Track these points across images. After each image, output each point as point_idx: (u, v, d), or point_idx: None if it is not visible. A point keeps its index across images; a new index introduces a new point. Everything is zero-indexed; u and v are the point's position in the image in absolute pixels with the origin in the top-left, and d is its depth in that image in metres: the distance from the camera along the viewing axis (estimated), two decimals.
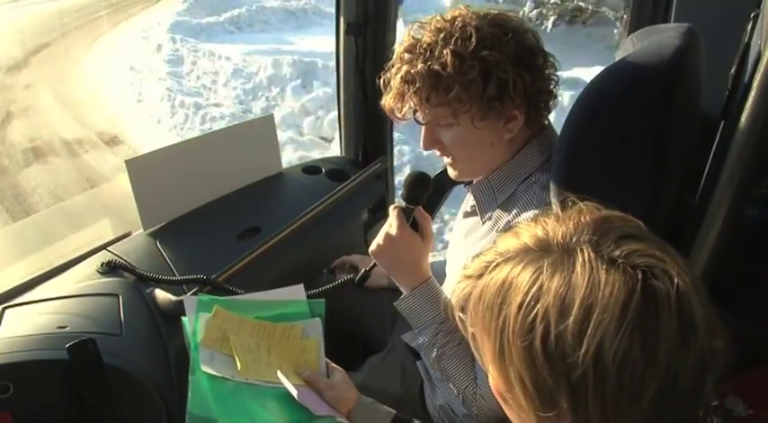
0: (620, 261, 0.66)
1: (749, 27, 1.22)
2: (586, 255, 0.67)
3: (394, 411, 1.24)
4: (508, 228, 1.21)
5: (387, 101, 1.29)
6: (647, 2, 1.72)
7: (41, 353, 1.21)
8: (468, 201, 1.40)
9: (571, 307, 0.65)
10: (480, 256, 0.76)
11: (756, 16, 1.20)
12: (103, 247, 1.64)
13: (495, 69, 1.17)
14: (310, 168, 2.05)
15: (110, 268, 1.54)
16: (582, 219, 0.72)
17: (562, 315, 0.65)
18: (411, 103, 1.25)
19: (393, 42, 2.01)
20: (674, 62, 1.01)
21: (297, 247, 1.76)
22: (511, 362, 0.69)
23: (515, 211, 1.25)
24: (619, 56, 1.28)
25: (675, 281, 0.65)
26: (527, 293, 0.67)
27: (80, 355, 1.18)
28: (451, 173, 1.35)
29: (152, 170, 1.67)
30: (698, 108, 1.23)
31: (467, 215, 1.43)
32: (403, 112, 1.28)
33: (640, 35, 1.29)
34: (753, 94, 0.85)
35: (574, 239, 0.69)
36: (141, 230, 1.70)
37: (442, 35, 1.20)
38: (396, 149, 4.06)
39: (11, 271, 1.71)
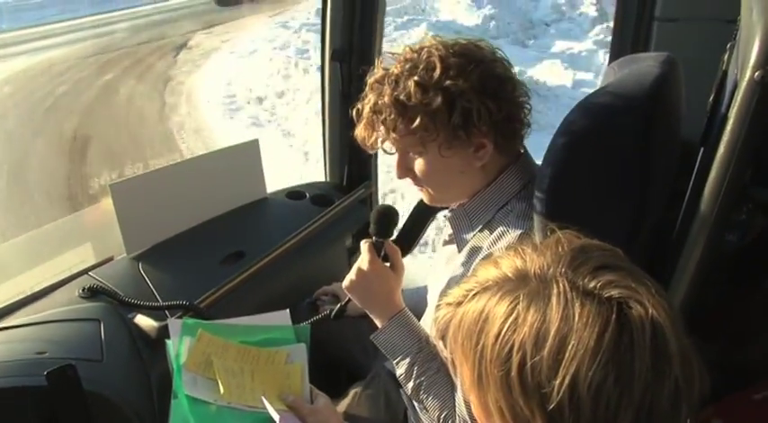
0: (595, 292, 0.67)
1: (726, 57, 1.25)
2: (561, 286, 0.68)
3: None
4: (486, 255, 1.23)
5: (358, 130, 1.31)
6: (628, 31, 1.75)
7: (19, 379, 1.19)
8: (447, 228, 1.41)
9: (546, 338, 0.66)
10: (461, 284, 0.77)
11: (732, 46, 1.22)
12: (85, 271, 1.63)
13: (460, 99, 1.19)
14: (294, 193, 2.05)
15: (91, 293, 1.52)
16: (559, 249, 0.73)
17: (537, 346, 0.66)
18: (380, 132, 1.27)
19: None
20: (654, 90, 1.03)
21: (281, 271, 1.76)
22: (489, 390, 0.70)
23: (492, 238, 1.26)
24: (600, 84, 1.31)
25: (650, 311, 0.66)
26: (503, 324, 0.69)
27: (59, 382, 1.16)
28: (426, 200, 1.37)
29: (136, 194, 1.67)
30: (678, 135, 1.24)
31: (446, 243, 1.44)
32: (371, 142, 1.30)
33: (621, 63, 1.31)
34: (731, 121, 0.86)
35: (550, 270, 0.70)
36: (124, 255, 1.68)
37: (408, 66, 1.22)
38: (386, 173, 4.05)
39: None
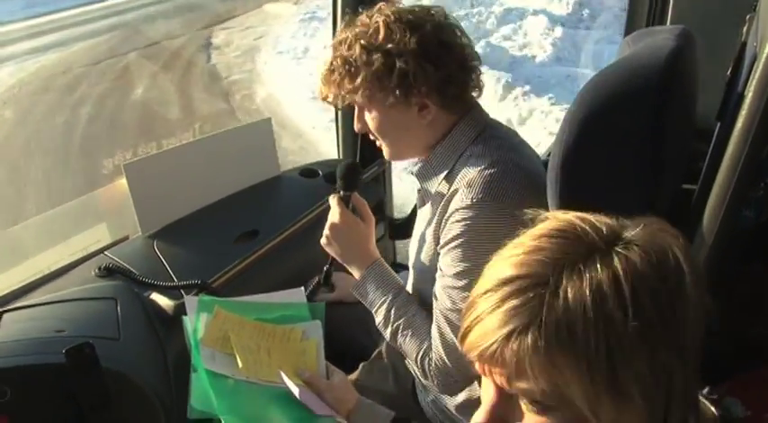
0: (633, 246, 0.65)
1: (745, 29, 1.23)
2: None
3: (393, 413, 1.24)
4: (453, 193, 1.30)
5: (318, 88, 1.41)
6: (643, 4, 1.73)
7: (39, 357, 1.20)
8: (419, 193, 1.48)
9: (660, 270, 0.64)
10: (497, 305, 0.64)
11: (752, 18, 1.20)
12: (101, 250, 1.64)
13: (398, 60, 1.28)
14: (308, 171, 2.05)
15: (107, 272, 1.54)
16: (594, 219, 0.69)
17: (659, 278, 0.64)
18: (334, 89, 1.37)
19: None
20: (670, 64, 1.01)
21: (294, 250, 1.76)
22: (629, 368, 0.62)
23: (456, 182, 1.32)
24: (615, 57, 1.29)
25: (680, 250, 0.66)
26: (620, 286, 0.62)
27: (77, 360, 1.17)
28: (384, 154, 1.45)
29: (150, 174, 1.68)
30: (694, 110, 1.23)
31: (420, 206, 1.50)
32: (325, 95, 1.40)
33: (636, 37, 1.29)
34: (749, 96, 0.85)
35: (590, 236, 0.66)
36: (139, 234, 1.70)
37: (357, 30, 1.33)
38: None
39: None
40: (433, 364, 1.32)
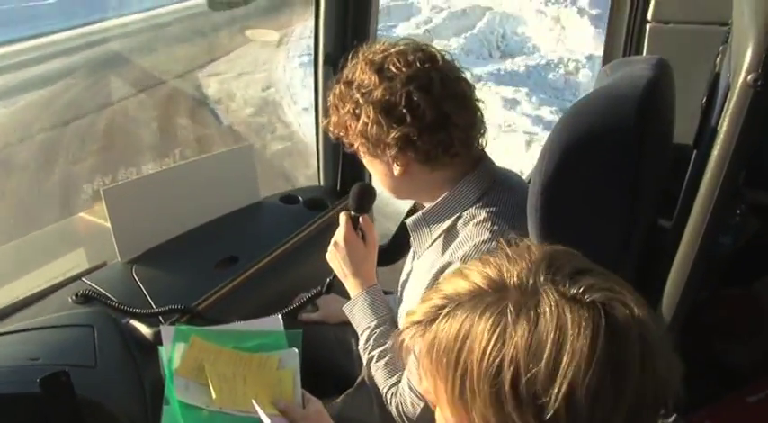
0: (578, 297, 0.67)
1: (718, 59, 1.26)
2: (549, 294, 0.67)
3: None
4: (446, 266, 1.27)
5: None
6: (620, 34, 1.76)
7: (13, 386, 1.18)
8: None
9: (542, 349, 0.65)
10: (426, 299, 0.75)
11: (724, 49, 1.23)
12: (78, 276, 1.63)
13: (362, 113, 1.26)
14: (288, 198, 2.05)
15: (84, 299, 1.52)
16: (531, 256, 0.71)
17: (532, 358, 0.65)
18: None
19: None
20: (647, 94, 1.03)
21: (274, 276, 1.75)
22: (475, 406, 0.68)
23: (452, 247, 1.29)
24: (594, 87, 1.31)
25: (634, 311, 0.67)
26: (490, 339, 0.66)
27: (52, 388, 1.15)
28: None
29: (129, 199, 1.66)
30: (671, 138, 1.25)
31: (413, 258, 1.48)
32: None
33: (614, 67, 1.31)
34: (725, 124, 0.86)
35: (531, 279, 0.69)
36: (117, 260, 1.68)
37: (346, 73, 1.31)
38: None
39: None
40: (397, 404, 1.35)
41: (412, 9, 8.48)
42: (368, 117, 1.25)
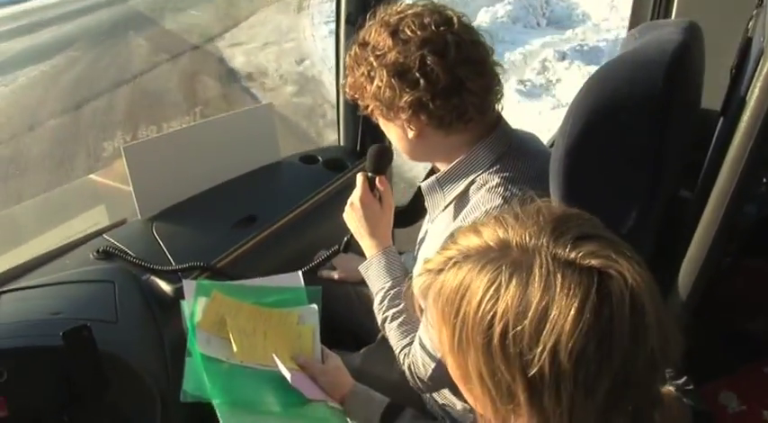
0: (576, 262, 0.68)
1: (751, 23, 1.22)
2: (543, 257, 0.69)
3: (388, 399, 1.24)
4: (459, 228, 1.24)
5: None
6: None
7: (36, 339, 1.20)
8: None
9: (528, 308, 0.67)
10: (441, 251, 0.78)
11: (758, 13, 1.19)
12: (99, 233, 1.64)
13: (376, 75, 1.25)
14: (308, 158, 2.05)
15: (105, 255, 1.53)
16: (540, 219, 0.74)
17: (519, 316, 0.68)
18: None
19: None
20: (676, 59, 1.00)
21: (293, 236, 1.76)
22: (469, 355, 0.72)
23: (464, 212, 1.29)
24: (621, 51, 1.28)
25: (629, 282, 0.68)
26: (485, 293, 0.70)
27: (75, 342, 1.17)
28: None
29: (149, 157, 1.67)
30: (698, 104, 1.22)
31: (428, 218, 1.48)
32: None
33: (642, 30, 1.28)
34: (756, 91, 0.84)
35: (532, 241, 0.71)
36: (138, 217, 1.69)
37: (361, 34, 1.30)
38: None
39: None
40: (409, 364, 1.35)
41: None
42: (381, 80, 1.24)
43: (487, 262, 0.72)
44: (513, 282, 0.69)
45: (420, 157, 1.40)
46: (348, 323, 1.75)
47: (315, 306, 1.38)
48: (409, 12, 1.25)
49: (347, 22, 1.96)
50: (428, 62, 1.21)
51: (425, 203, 1.41)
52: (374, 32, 1.26)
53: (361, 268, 1.47)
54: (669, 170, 1.05)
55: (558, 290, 0.67)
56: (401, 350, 1.37)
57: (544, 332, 0.67)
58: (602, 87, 1.05)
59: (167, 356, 1.37)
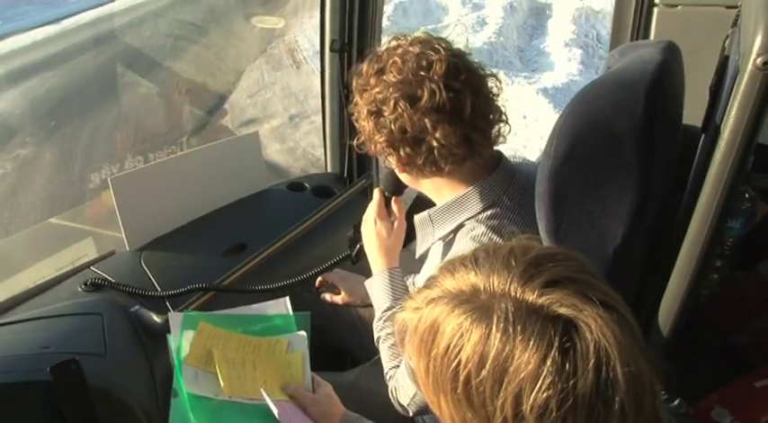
0: (542, 311, 0.66)
1: (727, 43, 1.24)
2: (507, 304, 0.67)
3: None
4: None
5: None
6: (628, 18, 1.75)
7: (24, 374, 1.19)
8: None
9: (487, 358, 0.66)
10: (421, 288, 0.78)
11: (733, 32, 1.22)
12: (87, 265, 1.63)
13: (360, 110, 1.27)
14: (295, 185, 2.05)
15: (94, 287, 1.52)
16: (512, 261, 0.71)
17: (480, 365, 0.67)
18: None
19: None
20: (657, 78, 1.02)
21: (282, 263, 1.76)
22: (440, 397, 0.72)
23: (448, 256, 1.31)
24: (602, 71, 1.30)
25: (595, 333, 0.65)
26: (451, 338, 0.69)
27: (63, 376, 1.16)
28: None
29: (137, 188, 1.67)
30: (680, 122, 1.24)
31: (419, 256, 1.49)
32: None
33: (622, 51, 1.30)
34: (734, 108, 0.85)
35: (500, 286, 0.69)
36: (126, 249, 1.68)
37: (360, 65, 1.31)
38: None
39: None
40: (393, 387, 1.37)
41: None
42: (362, 116, 1.27)
43: (457, 305, 0.71)
44: (475, 329, 0.67)
45: (415, 187, 1.41)
46: (351, 345, 1.76)
47: (303, 333, 1.37)
48: (399, 51, 1.25)
49: (331, 49, 1.98)
50: (399, 107, 1.21)
51: (416, 234, 1.42)
52: (367, 65, 1.28)
53: (367, 283, 1.48)
54: (655, 188, 1.06)
55: (518, 340, 0.65)
56: (388, 371, 1.38)
57: (504, 383, 0.65)
58: (585, 108, 1.06)
59: (157, 388, 1.36)
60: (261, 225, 1.85)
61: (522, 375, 0.64)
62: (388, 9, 6.68)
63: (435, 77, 1.21)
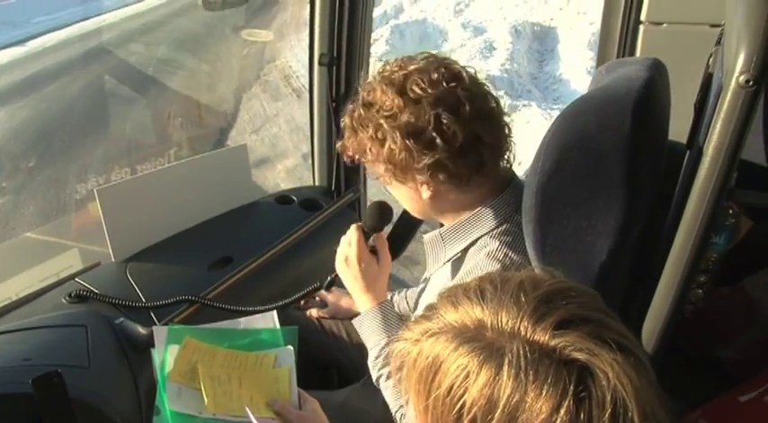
0: (555, 354, 0.63)
1: (711, 60, 1.26)
2: (518, 345, 0.64)
3: None
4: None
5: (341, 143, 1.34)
6: (614, 35, 1.77)
7: (5, 386, 1.17)
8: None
9: (497, 405, 0.63)
10: (420, 319, 0.74)
11: (717, 50, 1.23)
12: (72, 277, 1.62)
13: (388, 138, 1.21)
14: (283, 198, 2.05)
15: (78, 299, 1.51)
16: (522, 296, 0.67)
17: (487, 411, 0.63)
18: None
19: (367, 73, 2.03)
20: (643, 95, 1.03)
21: (269, 277, 1.75)
22: None
23: (461, 273, 1.28)
24: (589, 88, 1.31)
25: (612, 381, 0.62)
26: (455, 379, 0.66)
27: (45, 389, 1.14)
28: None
29: (123, 199, 1.66)
30: (666, 138, 1.25)
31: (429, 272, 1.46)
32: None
33: (608, 68, 1.32)
34: (717, 126, 0.87)
35: (509, 324, 0.66)
36: (111, 261, 1.67)
37: (363, 94, 1.26)
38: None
39: None
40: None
41: None
42: (394, 142, 1.20)
43: (462, 342, 0.66)
44: (484, 371, 0.64)
45: (430, 215, 1.37)
46: (337, 359, 1.74)
47: (291, 347, 1.36)
48: (412, 68, 1.22)
49: (320, 63, 1.99)
50: (443, 121, 1.18)
51: (426, 256, 1.39)
52: (379, 92, 1.22)
53: (356, 322, 1.42)
54: (640, 203, 1.07)
55: (530, 386, 0.61)
56: (397, 410, 1.34)
57: None
58: (572, 123, 1.07)
59: (141, 402, 1.34)
60: (247, 238, 1.84)
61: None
62: (385, 33, 6.61)
63: (466, 85, 1.21)
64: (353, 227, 1.41)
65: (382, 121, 1.20)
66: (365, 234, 1.40)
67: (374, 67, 1.34)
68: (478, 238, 1.29)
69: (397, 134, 1.19)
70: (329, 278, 1.53)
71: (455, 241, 1.32)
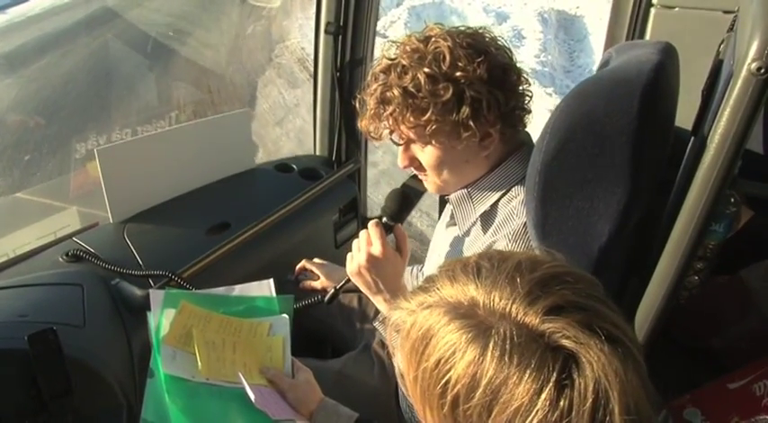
0: (543, 338, 0.63)
1: (722, 47, 1.25)
2: (507, 326, 0.64)
3: (356, 414, 1.23)
4: (490, 246, 1.24)
5: (364, 122, 1.29)
6: (624, 17, 1.75)
7: (0, 342, 1.18)
8: (449, 211, 1.41)
9: (479, 384, 0.63)
10: (417, 290, 0.74)
11: (729, 37, 1.22)
12: (69, 236, 1.62)
13: (469, 90, 1.18)
14: (283, 166, 2.04)
15: (75, 258, 1.51)
16: (518, 278, 0.67)
17: (470, 389, 0.64)
18: (387, 123, 1.26)
19: (372, 45, 2.01)
20: (652, 77, 1.02)
21: (266, 244, 1.75)
22: (427, 410, 0.70)
23: (495, 224, 1.27)
24: (597, 69, 1.30)
25: (596, 371, 0.61)
26: (443, 355, 0.66)
27: (40, 346, 1.15)
28: (429, 188, 1.36)
29: (123, 160, 1.65)
30: (673, 123, 1.25)
31: (449, 225, 1.45)
32: (379, 134, 1.29)
33: (619, 49, 1.30)
34: (726, 113, 0.86)
35: (501, 304, 0.66)
36: (109, 221, 1.67)
37: (416, 56, 1.20)
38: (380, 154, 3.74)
39: None
40: None
41: None
42: (478, 92, 1.19)
43: (453, 318, 0.67)
44: (470, 349, 0.64)
45: (454, 184, 1.33)
46: (328, 332, 1.75)
47: (286, 316, 1.36)
48: (450, 42, 1.21)
49: (326, 31, 1.97)
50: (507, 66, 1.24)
51: (454, 215, 1.36)
52: (446, 49, 1.19)
53: (379, 320, 1.39)
54: (643, 187, 1.07)
55: (513, 369, 0.61)
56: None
57: (493, 413, 0.62)
58: (579, 104, 1.06)
59: (134, 363, 1.35)
60: (246, 205, 1.84)
61: (514, 406, 0.61)
62: (403, 15, 6.49)
63: (500, 48, 1.25)
64: (372, 224, 1.33)
65: (459, 74, 1.19)
66: (385, 226, 1.35)
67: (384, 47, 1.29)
68: (509, 190, 1.29)
69: (480, 83, 1.19)
70: (334, 289, 1.45)
71: (484, 197, 1.31)
